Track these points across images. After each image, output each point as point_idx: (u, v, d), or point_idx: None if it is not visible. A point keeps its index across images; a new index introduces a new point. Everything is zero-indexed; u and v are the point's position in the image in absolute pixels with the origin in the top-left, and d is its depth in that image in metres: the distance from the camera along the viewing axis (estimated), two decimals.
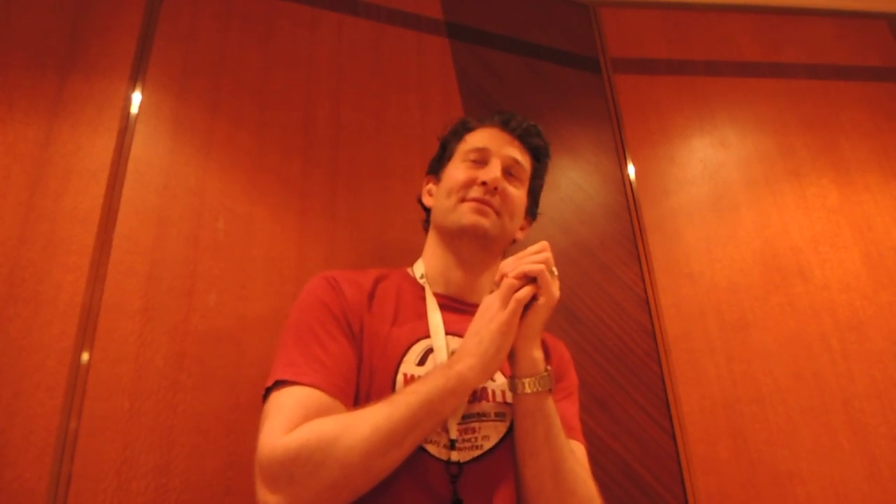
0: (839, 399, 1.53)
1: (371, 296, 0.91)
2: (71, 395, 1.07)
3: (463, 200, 0.97)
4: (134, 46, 1.37)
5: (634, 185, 1.76)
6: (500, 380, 0.89)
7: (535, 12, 1.92)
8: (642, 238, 1.69)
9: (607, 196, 1.73)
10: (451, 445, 0.80)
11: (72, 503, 1.01)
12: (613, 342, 1.54)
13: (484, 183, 0.96)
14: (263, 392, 0.80)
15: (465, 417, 0.83)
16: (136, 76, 1.35)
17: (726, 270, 1.67)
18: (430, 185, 1.10)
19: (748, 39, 2.03)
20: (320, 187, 1.42)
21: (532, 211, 1.11)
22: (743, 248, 1.70)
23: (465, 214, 0.96)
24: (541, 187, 1.12)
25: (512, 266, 0.83)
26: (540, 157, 1.09)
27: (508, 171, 1.02)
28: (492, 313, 0.81)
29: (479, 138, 1.05)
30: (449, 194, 1.00)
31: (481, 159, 1.02)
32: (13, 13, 1.31)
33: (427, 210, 1.09)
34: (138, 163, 1.28)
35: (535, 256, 0.83)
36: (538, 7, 1.94)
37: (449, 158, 1.07)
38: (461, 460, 0.79)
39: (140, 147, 1.30)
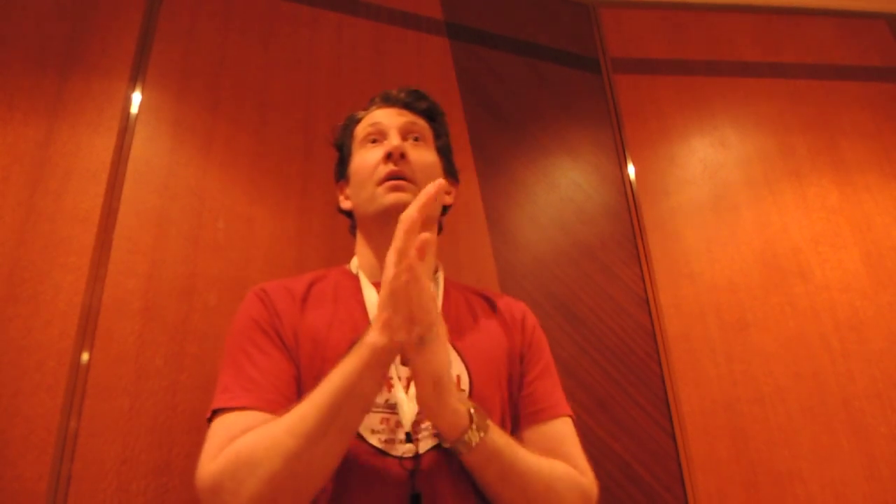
0: (839, 399, 1.53)
1: (304, 301, 0.89)
2: (71, 395, 1.07)
3: (378, 184, 0.94)
4: (134, 46, 1.37)
5: (634, 185, 1.76)
6: (457, 362, 0.86)
7: (536, 12, 1.92)
8: (642, 238, 1.69)
9: (607, 196, 1.73)
10: (408, 438, 0.78)
11: (72, 503, 1.01)
12: (613, 342, 1.54)
13: (389, 155, 0.94)
14: (207, 422, 0.79)
15: None
16: (136, 76, 1.35)
17: (726, 270, 1.67)
18: (344, 191, 1.07)
19: (748, 39, 2.02)
20: (320, 187, 1.42)
21: (451, 171, 1.08)
22: (743, 248, 1.70)
23: (384, 196, 0.93)
24: (448, 146, 1.09)
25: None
26: (434, 117, 1.07)
27: (409, 136, 1.00)
28: (388, 270, 0.72)
29: (369, 120, 1.03)
30: (363, 184, 0.97)
31: (379, 134, 1.00)
32: (13, 13, 1.31)
33: (349, 215, 1.06)
34: (138, 163, 1.28)
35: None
36: (538, 7, 1.94)
37: (349, 155, 1.04)
38: (419, 451, 0.78)
39: (140, 147, 1.30)
